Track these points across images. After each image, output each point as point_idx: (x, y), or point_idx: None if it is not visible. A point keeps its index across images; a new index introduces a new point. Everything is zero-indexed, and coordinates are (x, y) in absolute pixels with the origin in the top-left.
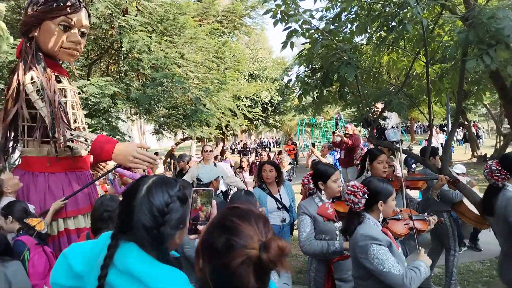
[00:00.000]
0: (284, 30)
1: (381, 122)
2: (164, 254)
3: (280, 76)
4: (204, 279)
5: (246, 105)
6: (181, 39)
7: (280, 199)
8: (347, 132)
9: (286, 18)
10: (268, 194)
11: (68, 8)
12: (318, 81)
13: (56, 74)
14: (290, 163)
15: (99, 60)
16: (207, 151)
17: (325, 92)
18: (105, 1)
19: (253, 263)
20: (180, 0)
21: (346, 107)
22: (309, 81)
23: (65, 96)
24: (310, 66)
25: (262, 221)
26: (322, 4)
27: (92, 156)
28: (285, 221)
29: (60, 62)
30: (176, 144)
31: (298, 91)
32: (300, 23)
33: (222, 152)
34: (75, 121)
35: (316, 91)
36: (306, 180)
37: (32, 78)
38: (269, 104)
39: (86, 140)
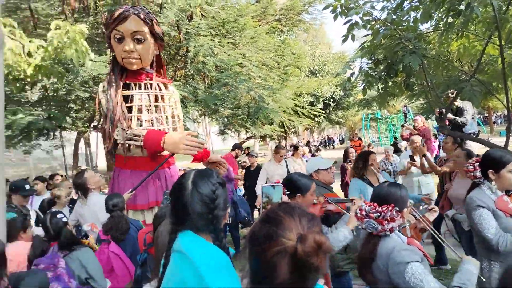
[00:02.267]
0: (345, 23)
1: (459, 119)
2: (219, 234)
3: (342, 70)
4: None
5: (307, 102)
6: (242, 40)
7: None
8: (416, 124)
9: (346, 11)
10: (368, 184)
11: (114, 22)
12: (383, 73)
13: (129, 82)
14: None
15: (167, 66)
16: (282, 154)
17: (390, 83)
18: (172, 9)
19: (289, 254)
20: (239, 2)
21: (412, 99)
22: (373, 73)
23: (131, 101)
24: (373, 58)
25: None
26: None
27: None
28: None
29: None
30: (241, 144)
31: (362, 84)
32: (360, 15)
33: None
34: (139, 124)
35: (381, 83)
36: (471, 167)
37: (104, 87)
38: (331, 100)
39: (138, 136)
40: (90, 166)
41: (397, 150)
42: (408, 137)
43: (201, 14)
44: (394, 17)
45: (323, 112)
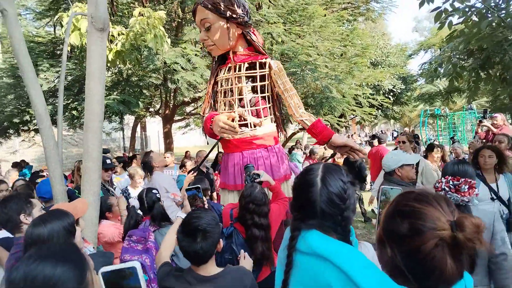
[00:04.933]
0: (433, 11)
1: None
2: (347, 236)
3: (431, 59)
4: (394, 266)
5: (367, 94)
6: (310, 29)
7: (496, 190)
8: (495, 122)
9: None
10: (482, 181)
11: (193, 17)
12: (478, 64)
13: (222, 68)
14: None
15: None
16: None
17: (483, 76)
18: None
19: (448, 244)
20: None
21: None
22: (464, 64)
23: (221, 85)
24: (467, 48)
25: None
26: None
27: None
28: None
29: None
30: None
31: (449, 76)
32: (450, 1)
33: None
34: (225, 107)
35: (473, 74)
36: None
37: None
38: (391, 94)
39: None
40: (146, 149)
41: None
42: (485, 134)
43: (269, 1)
44: (492, 4)
45: (388, 101)
